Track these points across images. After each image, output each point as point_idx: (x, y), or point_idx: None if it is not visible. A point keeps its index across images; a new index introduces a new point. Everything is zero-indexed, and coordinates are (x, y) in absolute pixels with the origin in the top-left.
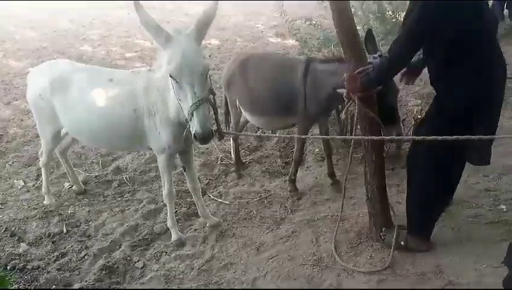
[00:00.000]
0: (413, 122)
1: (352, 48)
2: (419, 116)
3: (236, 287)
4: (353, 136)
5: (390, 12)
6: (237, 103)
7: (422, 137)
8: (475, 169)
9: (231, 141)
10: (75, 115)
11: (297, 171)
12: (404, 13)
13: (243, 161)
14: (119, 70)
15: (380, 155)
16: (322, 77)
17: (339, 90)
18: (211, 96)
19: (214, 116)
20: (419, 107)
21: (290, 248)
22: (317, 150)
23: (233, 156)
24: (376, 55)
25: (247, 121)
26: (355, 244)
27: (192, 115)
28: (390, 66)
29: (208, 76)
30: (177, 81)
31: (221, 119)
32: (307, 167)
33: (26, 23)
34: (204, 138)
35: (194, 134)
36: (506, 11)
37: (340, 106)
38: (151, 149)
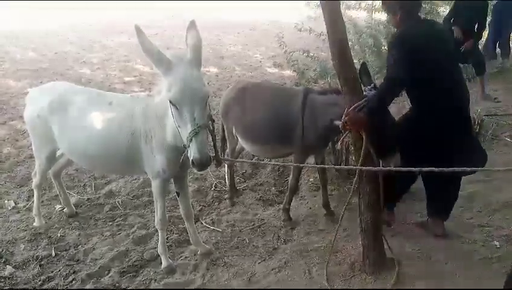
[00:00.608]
0: None
1: (348, 81)
2: None
3: None
4: (351, 166)
5: (385, 47)
6: (234, 130)
7: (418, 169)
8: (469, 204)
9: (226, 167)
10: (73, 136)
11: (291, 201)
12: None
13: (237, 187)
14: (118, 94)
15: (374, 188)
16: (320, 107)
17: (336, 122)
18: (210, 122)
19: (212, 143)
20: None
21: (282, 279)
22: (312, 179)
23: (227, 182)
24: (370, 87)
25: (242, 148)
26: (348, 277)
27: (191, 141)
28: (388, 86)
29: (208, 103)
30: (177, 108)
31: (218, 146)
32: (301, 197)
33: (27, 44)
34: (203, 164)
35: (192, 160)
36: (498, 50)
37: (336, 137)
38: (146, 173)
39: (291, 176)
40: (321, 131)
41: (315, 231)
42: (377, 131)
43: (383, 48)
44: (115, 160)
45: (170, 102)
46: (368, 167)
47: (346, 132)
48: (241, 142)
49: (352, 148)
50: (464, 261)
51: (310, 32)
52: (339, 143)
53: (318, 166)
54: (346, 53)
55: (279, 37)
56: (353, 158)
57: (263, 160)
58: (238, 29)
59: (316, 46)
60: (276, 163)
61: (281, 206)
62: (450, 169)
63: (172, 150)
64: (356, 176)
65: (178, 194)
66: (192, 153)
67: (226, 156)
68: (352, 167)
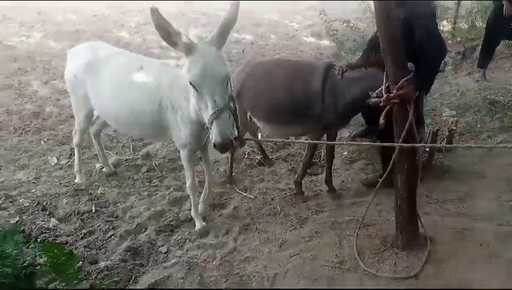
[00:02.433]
0: (447, 133)
1: (393, 55)
2: (454, 128)
3: (257, 282)
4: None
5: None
6: (248, 112)
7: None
8: (508, 187)
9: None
10: (104, 98)
11: (304, 175)
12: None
13: (270, 158)
14: (151, 59)
15: (413, 164)
16: (343, 84)
17: (372, 100)
18: (232, 103)
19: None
20: (455, 118)
21: (313, 248)
22: (346, 153)
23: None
24: (410, 63)
25: (258, 128)
26: (379, 250)
27: (212, 124)
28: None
29: (229, 82)
30: (197, 90)
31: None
32: (334, 169)
33: (67, 6)
34: (224, 147)
35: (214, 143)
36: None
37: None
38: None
39: (305, 152)
40: (343, 109)
41: (347, 204)
42: (417, 105)
43: None
44: (143, 127)
45: (190, 84)
46: (410, 144)
47: (388, 107)
48: (257, 123)
49: (394, 124)
50: (499, 244)
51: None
52: (381, 118)
53: (353, 143)
54: (392, 23)
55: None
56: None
57: (291, 138)
58: None
59: (356, 17)
60: (302, 141)
61: (313, 177)
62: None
63: (195, 123)
64: (396, 152)
65: (201, 158)
66: (213, 136)
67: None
68: (391, 144)
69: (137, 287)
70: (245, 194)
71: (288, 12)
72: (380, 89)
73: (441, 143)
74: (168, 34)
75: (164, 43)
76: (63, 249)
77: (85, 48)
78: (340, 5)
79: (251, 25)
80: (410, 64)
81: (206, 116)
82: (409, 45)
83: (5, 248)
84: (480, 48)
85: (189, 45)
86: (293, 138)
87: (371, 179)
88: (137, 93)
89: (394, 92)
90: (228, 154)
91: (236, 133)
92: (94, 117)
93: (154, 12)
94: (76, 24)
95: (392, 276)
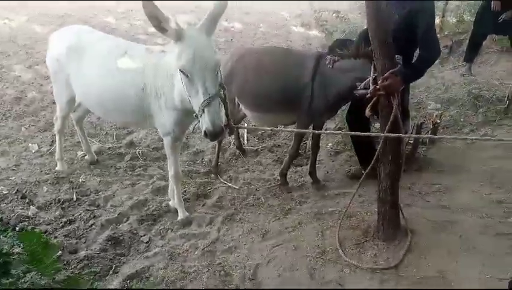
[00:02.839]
0: (431, 127)
1: (382, 47)
2: (438, 121)
3: (238, 272)
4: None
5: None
6: (236, 99)
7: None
8: (489, 180)
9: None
10: (86, 83)
11: (289, 167)
12: None
13: (255, 148)
14: (135, 44)
15: (396, 155)
16: (333, 74)
17: (359, 92)
18: (221, 91)
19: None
20: (439, 112)
21: (295, 238)
22: (331, 144)
23: (245, 142)
24: (398, 56)
25: (243, 116)
26: (360, 241)
27: (203, 112)
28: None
29: (219, 70)
30: (187, 76)
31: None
32: (319, 161)
33: None
34: (216, 134)
35: (205, 131)
36: None
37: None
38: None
39: (292, 143)
40: (332, 99)
41: (330, 195)
42: (402, 97)
43: None
44: (125, 113)
45: (180, 71)
46: (395, 134)
47: (374, 99)
48: (245, 112)
49: (379, 114)
50: (479, 236)
51: None
52: (367, 110)
53: (339, 132)
54: (381, 15)
55: None
56: (374, 125)
57: (279, 127)
58: None
59: (345, 8)
60: (291, 130)
61: (298, 168)
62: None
63: (180, 111)
64: (381, 143)
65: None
66: (204, 124)
67: None
68: (378, 133)
69: (117, 278)
70: (229, 184)
71: (278, 1)
72: (367, 80)
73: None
74: (157, 20)
75: (151, 29)
76: (40, 237)
77: (68, 32)
78: None
79: (240, 14)
80: (397, 56)
81: (197, 103)
82: (405, 40)
83: None
84: (467, 42)
85: (179, 32)
86: (282, 126)
87: (355, 171)
88: (121, 78)
89: (380, 83)
90: (215, 143)
91: (225, 121)
92: (76, 103)
93: None
94: (61, 8)
95: (372, 267)
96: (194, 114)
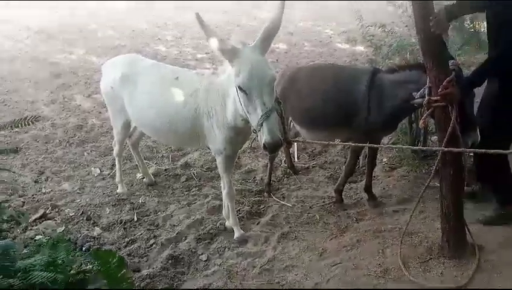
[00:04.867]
0: None
1: (434, 57)
2: None
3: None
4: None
5: (468, 22)
6: (289, 118)
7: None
8: None
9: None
10: (140, 108)
11: (345, 183)
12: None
13: (307, 166)
14: (185, 69)
15: (458, 169)
16: (390, 87)
17: (416, 101)
18: (278, 105)
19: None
20: None
21: (355, 257)
22: (386, 159)
23: (295, 159)
24: (453, 62)
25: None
26: (424, 259)
27: (262, 126)
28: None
29: (274, 86)
30: (246, 93)
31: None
32: (375, 177)
33: (107, 22)
34: (274, 147)
35: (264, 144)
36: None
37: (413, 115)
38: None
39: (348, 159)
40: (389, 113)
41: (388, 212)
42: (464, 107)
43: (465, 22)
44: (179, 134)
45: (239, 88)
46: (454, 149)
47: (429, 110)
48: (300, 131)
49: (436, 127)
50: None
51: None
52: (421, 122)
53: (395, 146)
54: (429, 24)
55: (356, 10)
56: (430, 138)
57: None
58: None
59: (391, 21)
60: (348, 143)
61: (352, 185)
62: None
63: (232, 129)
64: (439, 157)
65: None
66: (264, 137)
67: None
68: (437, 148)
69: None
70: (283, 202)
71: (322, 19)
72: (423, 89)
73: None
74: (215, 41)
75: (200, 55)
76: (113, 254)
77: (120, 61)
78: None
79: (285, 34)
80: (452, 62)
81: (255, 118)
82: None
83: (57, 256)
84: None
85: (234, 51)
86: (339, 140)
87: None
88: (174, 102)
89: (436, 92)
90: (267, 162)
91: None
92: (131, 128)
93: (199, 19)
94: (115, 39)
95: (439, 286)
96: (253, 129)
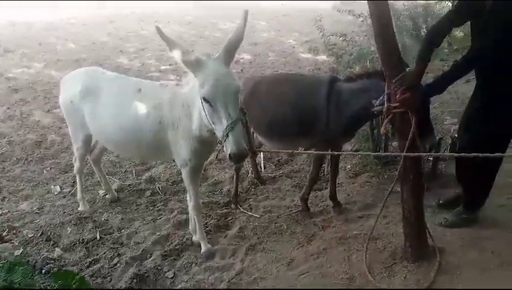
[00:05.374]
0: (449, 142)
1: (391, 63)
2: (456, 136)
3: None
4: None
5: (425, 30)
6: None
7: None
8: None
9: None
10: (102, 122)
11: (310, 191)
12: None
13: (273, 175)
14: (148, 81)
15: (418, 173)
16: (349, 96)
17: (376, 108)
18: (243, 116)
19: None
20: (457, 126)
21: (322, 265)
22: (349, 166)
23: (262, 169)
24: (409, 69)
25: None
26: (389, 264)
27: (227, 136)
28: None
29: (239, 97)
30: (210, 104)
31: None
32: (339, 184)
33: (67, 36)
34: (240, 157)
35: (230, 154)
36: None
37: (374, 122)
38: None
39: (311, 168)
40: (348, 121)
41: (353, 218)
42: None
43: (422, 31)
44: (143, 147)
45: (204, 99)
46: (415, 153)
47: (389, 117)
48: (261, 140)
49: (396, 133)
50: (511, 251)
51: (349, 14)
52: (382, 128)
53: (357, 153)
54: (389, 32)
55: (316, 20)
56: (391, 144)
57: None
58: (271, 15)
59: (352, 30)
60: (312, 152)
61: (318, 193)
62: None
63: (198, 140)
64: (401, 162)
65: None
66: (229, 147)
67: None
68: (398, 153)
69: None
70: (250, 213)
71: (285, 29)
72: (382, 96)
73: (444, 152)
74: (179, 52)
75: (163, 66)
76: (74, 275)
77: (80, 74)
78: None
79: (249, 44)
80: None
81: (221, 129)
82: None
83: (13, 279)
84: None
85: (199, 62)
86: (302, 149)
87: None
88: (138, 114)
89: (395, 99)
90: (233, 173)
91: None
92: (92, 143)
93: (160, 32)
94: (76, 53)
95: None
96: (218, 140)
